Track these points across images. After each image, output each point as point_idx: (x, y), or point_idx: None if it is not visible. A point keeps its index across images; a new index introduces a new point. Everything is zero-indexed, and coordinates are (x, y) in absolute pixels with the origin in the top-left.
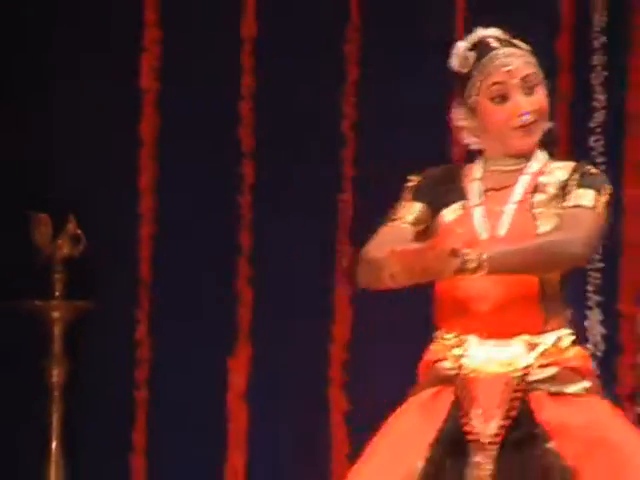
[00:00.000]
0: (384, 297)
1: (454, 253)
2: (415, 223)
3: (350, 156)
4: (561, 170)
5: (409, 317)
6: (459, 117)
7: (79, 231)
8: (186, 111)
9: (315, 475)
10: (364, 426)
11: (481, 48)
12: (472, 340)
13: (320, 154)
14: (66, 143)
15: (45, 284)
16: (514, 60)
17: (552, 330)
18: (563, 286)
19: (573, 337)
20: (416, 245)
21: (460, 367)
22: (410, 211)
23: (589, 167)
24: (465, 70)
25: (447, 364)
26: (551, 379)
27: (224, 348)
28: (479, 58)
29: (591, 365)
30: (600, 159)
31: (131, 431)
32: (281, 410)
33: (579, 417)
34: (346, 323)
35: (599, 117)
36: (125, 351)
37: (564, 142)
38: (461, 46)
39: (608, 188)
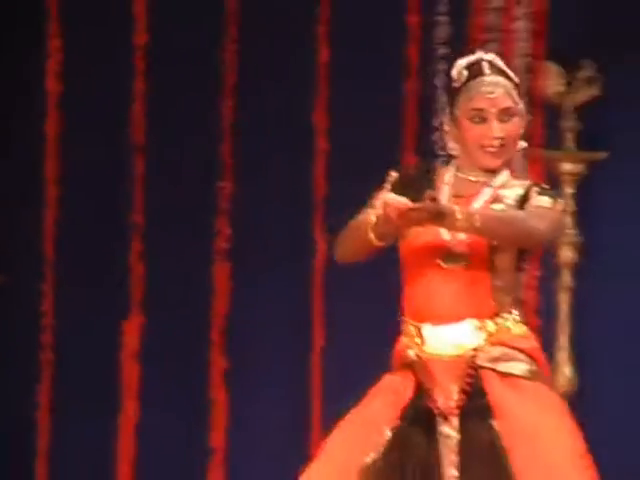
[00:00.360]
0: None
1: (438, 204)
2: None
3: (228, 149)
4: (520, 187)
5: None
6: (446, 123)
7: None
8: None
9: (199, 427)
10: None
11: (474, 70)
12: (427, 328)
13: (196, 149)
14: None
15: None
16: (498, 89)
17: (501, 315)
18: (514, 276)
19: (521, 320)
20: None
21: (420, 353)
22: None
23: (544, 185)
24: (457, 85)
25: (410, 352)
26: (498, 359)
27: (120, 313)
28: (469, 79)
29: (540, 351)
30: (442, 152)
31: (36, 389)
32: (169, 368)
33: (521, 403)
34: (225, 296)
35: (437, 134)
36: (32, 319)
37: (412, 137)
38: (460, 63)
39: (561, 201)
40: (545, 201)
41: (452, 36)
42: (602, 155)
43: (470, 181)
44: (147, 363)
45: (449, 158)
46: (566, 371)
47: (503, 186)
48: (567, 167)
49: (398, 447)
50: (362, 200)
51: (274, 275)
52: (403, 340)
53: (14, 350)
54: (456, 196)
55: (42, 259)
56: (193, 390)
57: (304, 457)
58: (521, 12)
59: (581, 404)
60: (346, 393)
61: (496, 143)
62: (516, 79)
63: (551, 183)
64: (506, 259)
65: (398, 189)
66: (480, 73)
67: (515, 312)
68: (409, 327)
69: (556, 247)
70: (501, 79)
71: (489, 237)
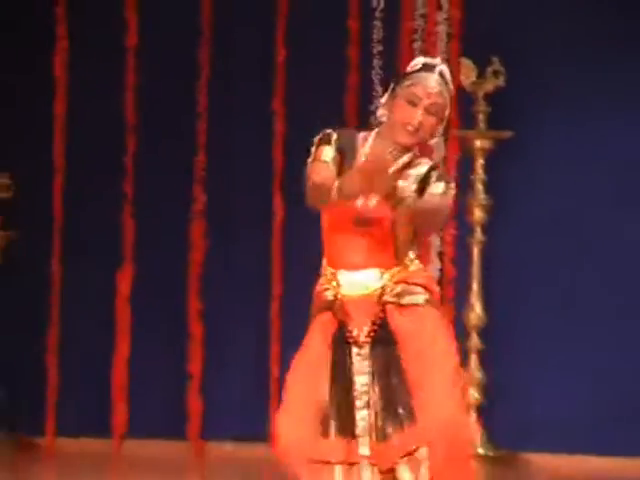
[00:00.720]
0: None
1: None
2: (332, 163)
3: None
4: (423, 166)
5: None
6: (386, 96)
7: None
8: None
9: (180, 357)
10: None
11: (428, 67)
12: (342, 274)
13: (178, 128)
14: None
15: None
16: (437, 89)
17: (400, 264)
18: (410, 239)
19: (417, 261)
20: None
21: (337, 294)
22: (329, 154)
23: (441, 171)
24: (409, 71)
25: (328, 293)
26: (400, 294)
27: (117, 260)
28: (421, 71)
29: (432, 281)
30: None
31: (46, 332)
32: (155, 309)
33: (415, 327)
34: (200, 250)
35: (377, 103)
36: (41, 272)
37: (354, 119)
38: (420, 58)
39: (452, 188)
40: (440, 187)
41: (386, 37)
42: (507, 134)
43: (384, 152)
44: (137, 306)
45: (372, 126)
46: (477, 309)
47: (410, 163)
48: (478, 143)
49: (337, 374)
50: None
51: (241, 233)
52: (322, 284)
53: (25, 298)
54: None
55: (51, 220)
56: (175, 327)
57: (266, 381)
58: (441, 18)
59: (489, 334)
60: (299, 329)
61: (415, 124)
62: (451, 91)
63: (465, 156)
64: (404, 230)
65: (335, 143)
66: (431, 71)
67: (411, 255)
68: (327, 273)
69: (467, 210)
70: (443, 85)
71: (419, 215)
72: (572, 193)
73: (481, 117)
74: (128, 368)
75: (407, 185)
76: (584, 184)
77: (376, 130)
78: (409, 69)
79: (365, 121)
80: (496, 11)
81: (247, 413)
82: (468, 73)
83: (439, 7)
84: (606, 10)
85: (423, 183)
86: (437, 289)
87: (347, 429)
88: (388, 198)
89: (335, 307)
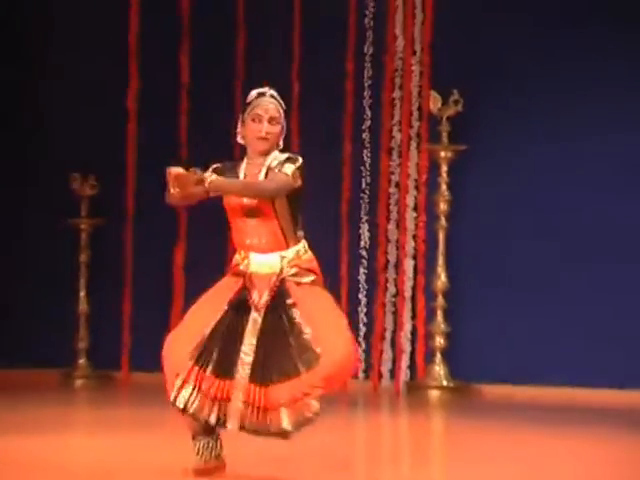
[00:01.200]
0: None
1: (195, 174)
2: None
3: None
4: (282, 156)
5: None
6: (239, 126)
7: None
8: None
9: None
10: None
11: (261, 94)
12: (252, 255)
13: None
14: None
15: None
16: (271, 105)
17: (292, 247)
18: (293, 223)
19: (306, 248)
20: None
21: (247, 269)
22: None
23: (292, 156)
24: (249, 101)
25: (241, 267)
26: (295, 274)
27: (173, 238)
28: (257, 97)
29: (316, 265)
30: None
31: (121, 290)
32: (201, 276)
33: (308, 297)
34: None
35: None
36: (120, 246)
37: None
38: (253, 92)
39: (299, 162)
40: (286, 167)
41: (374, 74)
42: (463, 147)
43: (254, 164)
44: (187, 272)
45: (245, 152)
46: (442, 278)
47: (272, 161)
48: (442, 154)
49: (225, 322)
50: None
51: None
52: (237, 258)
53: (107, 264)
54: (246, 176)
55: (125, 210)
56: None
57: None
58: (415, 61)
59: (451, 296)
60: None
61: (264, 134)
62: (283, 106)
63: (433, 163)
64: (283, 214)
65: (218, 173)
66: (264, 95)
67: (304, 244)
68: (240, 252)
69: (433, 202)
70: (274, 102)
71: (229, 194)
72: (512, 190)
73: (444, 134)
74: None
75: (211, 177)
76: (521, 184)
77: (245, 155)
78: (248, 99)
79: (360, 137)
80: (457, 55)
81: None
82: (435, 102)
83: (413, 53)
84: (538, 50)
85: (281, 166)
86: (319, 272)
87: (224, 370)
88: (205, 192)
89: (245, 277)
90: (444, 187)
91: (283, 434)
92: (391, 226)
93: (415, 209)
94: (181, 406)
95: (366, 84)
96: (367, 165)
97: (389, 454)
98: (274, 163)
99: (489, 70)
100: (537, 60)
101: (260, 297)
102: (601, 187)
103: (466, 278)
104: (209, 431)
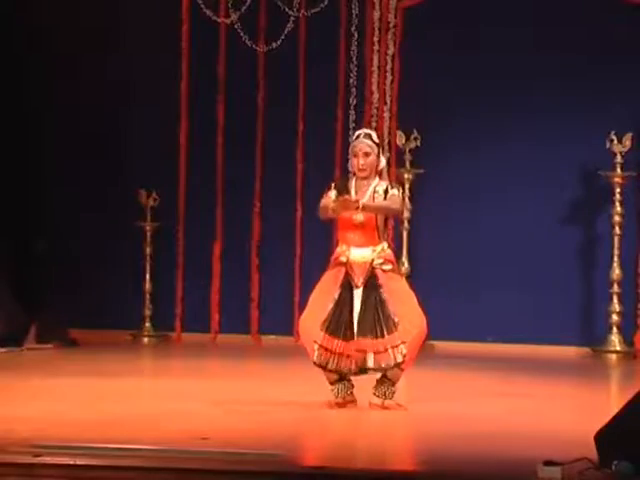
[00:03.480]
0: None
1: (357, 202)
2: (335, 197)
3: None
4: (384, 185)
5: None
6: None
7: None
8: None
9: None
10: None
11: (357, 135)
12: (352, 248)
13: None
14: None
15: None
16: (365, 145)
17: (380, 244)
18: (384, 227)
19: (388, 246)
20: (341, 198)
21: (347, 259)
22: (332, 193)
23: (394, 183)
24: (351, 141)
25: (343, 258)
26: (381, 263)
27: (213, 237)
28: (355, 139)
29: (394, 256)
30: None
31: (174, 272)
32: (234, 263)
33: (390, 281)
34: (258, 227)
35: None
36: (172, 241)
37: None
38: (356, 133)
39: (401, 190)
40: (395, 191)
41: (357, 119)
42: (420, 171)
43: (361, 185)
44: (224, 262)
45: (352, 174)
46: (406, 265)
47: (377, 185)
48: (406, 175)
49: (340, 302)
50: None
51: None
52: (338, 252)
53: (161, 253)
54: (357, 193)
55: (176, 215)
56: (243, 272)
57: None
58: (386, 108)
59: (411, 280)
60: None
61: (360, 166)
62: (376, 140)
63: (399, 182)
64: (381, 222)
65: (336, 187)
66: (358, 137)
67: (385, 243)
68: (343, 247)
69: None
70: (366, 140)
71: (375, 212)
72: (456, 202)
73: (407, 162)
74: (220, 293)
75: (367, 201)
76: (465, 199)
77: (354, 177)
78: (351, 140)
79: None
80: (416, 104)
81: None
82: (400, 138)
83: (385, 103)
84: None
85: (386, 192)
86: (395, 263)
87: (343, 332)
88: (355, 210)
89: (347, 265)
90: (407, 200)
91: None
92: None
93: None
94: (322, 364)
95: (351, 126)
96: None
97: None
98: (380, 187)
99: (439, 115)
100: (476, 104)
101: (359, 279)
102: (528, 200)
103: (423, 265)
104: (342, 378)
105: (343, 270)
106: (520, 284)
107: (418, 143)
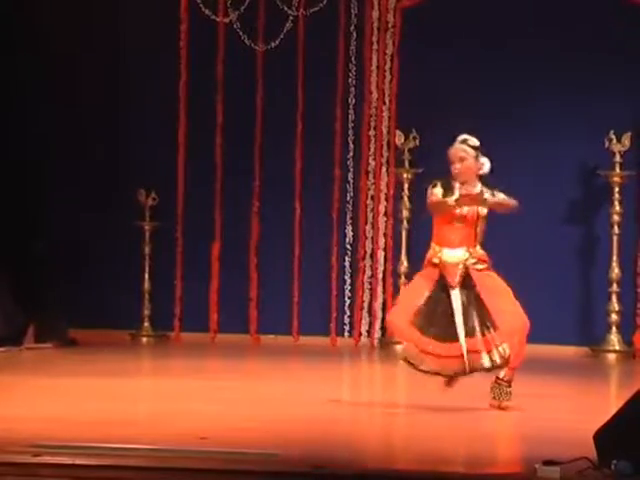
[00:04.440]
0: None
1: (482, 194)
2: (440, 194)
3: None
4: (488, 192)
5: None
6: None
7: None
8: None
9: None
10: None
11: (455, 141)
12: (445, 250)
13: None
14: None
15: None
16: (459, 150)
17: (477, 245)
18: (483, 228)
19: (480, 248)
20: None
21: (440, 260)
22: (439, 191)
23: (497, 186)
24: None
25: (436, 259)
26: (475, 263)
27: (212, 237)
28: (452, 146)
29: (487, 256)
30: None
31: (173, 275)
32: (232, 263)
33: (487, 280)
34: (257, 228)
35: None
36: (171, 241)
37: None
38: (459, 138)
39: (504, 192)
40: (501, 194)
41: (356, 119)
42: (419, 170)
43: (463, 188)
44: (221, 263)
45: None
46: (405, 264)
47: (482, 188)
48: (405, 175)
49: (432, 301)
50: None
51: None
52: (431, 253)
53: (161, 254)
54: (461, 194)
55: (175, 214)
56: (242, 272)
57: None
58: (385, 108)
59: (411, 277)
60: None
61: (457, 172)
62: (473, 144)
63: (399, 182)
64: (482, 222)
65: (441, 185)
66: (455, 142)
67: (479, 245)
68: (435, 247)
69: (399, 210)
70: (460, 145)
71: (495, 207)
72: None
73: (406, 162)
74: (219, 293)
75: (488, 196)
76: None
77: (458, 180)
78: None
79: (346, 164)
80: (415, 103)
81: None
82: (399, 138)
83: (384, 103)
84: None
85: (492, 194)
86: (489, 262)
87: (443, 334)
88: (480, 204)
89: (440, 266)
90: (406, 199)
91: (488, 369)
92: (368, 227)
93: (385, 215)
94: (409, 361)
95: (350, 125)
96: (351, 184)
97: (367, 385)
98: (485, 190)
99: (439, 114)
100: (476, 104)
101: (453, 279)
102: (527, 199)
103: (421, 264)
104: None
105: (437, 271)
106: (519, 283)
107: (417, 143)
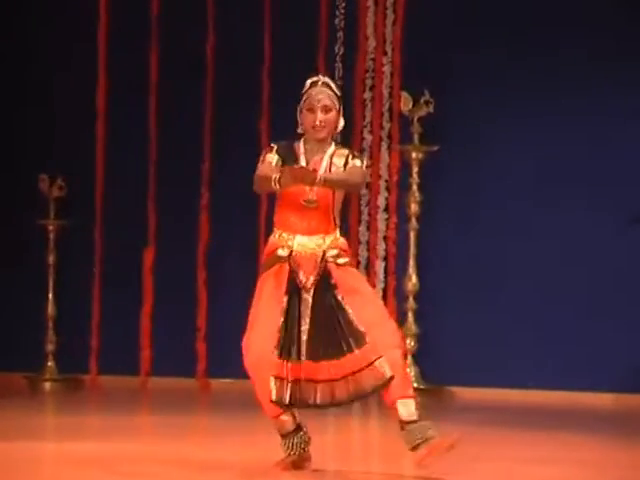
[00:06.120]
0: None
1: (313, 173)
2: (276, 165)
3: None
4: (343, 154)
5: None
6: (298, 115)
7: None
8: None
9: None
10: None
11: (313, 83)
12: (297, 237)
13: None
14: None
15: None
16: (323, 95)
17: (334, 231)
18: (340, 210)
19: (341, 234)
20: (296, 167)
21: (291, 252)
22: (274, 159)
23: (356, 152)
24: (303, 90)
25: (282, 251)
26: (335, 256)
27: (143, 241)
28: (310, 87)
29: (348, 246)
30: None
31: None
32: (172, 279)
33: (346, 278)
34: (205, 234)
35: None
36: (87, 247)
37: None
38: (307, 80)
39: (366, 161)
40: (357, 162)
41: (346, 75)
42: (434, 147)
43: (312, 149)
44: (157, 275)
45: (300, 136)
46: (413, 280)
47: (333, 154)
48: (414, 155)
49: (290, 311)
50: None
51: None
52: (274, 241)
53: (74, 266)
54: (308, 162)
55: (93, 211)
56: (186, 290)
57: None
58: (386, 61)
59: (421, 297)
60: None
61: (319, 123)
62: (337, 92)
63: (405, 164)
64: (338, 202)
65: (277, 151)
66: (316, 85)
67: (338, 229)
68: (282, 235)
69: (405, 203)
70: (326, 90)
71: (332, 188)
72: (482, 190)
73: (416, 136)
74: (152, 321)
75: (324, 170)
76: (492, 184)
77: (302, 138)
78: (303, 90)
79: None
80: (428, 55)
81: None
82: (406, 103)
83: (384, 53)
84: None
85: (345, 164)
86: (352, 254)
87: (296, 352)
88: (313, 184)
89: (290, 260)
90: (415, 188)
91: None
92: (362, 227)
93: (386, 210)
94: (286, 402)
95: (336, 84)
96: None
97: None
98: (338, 159)
99: (461, 70)
100: (510, 60)
101: (307, 278)
102: (573, 191)
103: (437, 280)
104: (297, 428)
105: (285, 267)
106: (567, 309)
107: (431, 109)
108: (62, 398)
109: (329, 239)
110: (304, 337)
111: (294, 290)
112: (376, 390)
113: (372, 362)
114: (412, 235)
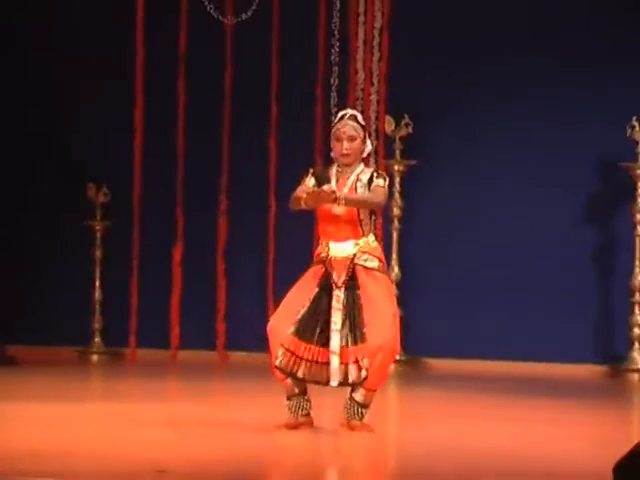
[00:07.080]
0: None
1: (333, 193)
2: (313, 186)
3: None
4: (369, 172)
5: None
6: (331, 142)
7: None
8: None
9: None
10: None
11: (340, 116)
12: (331, 243)
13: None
14: None
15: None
16: (347, 127)
17: (365, 236)
18: (371, 217)
19: (374, 239)
20: (316, 190)
21: (327, 255)
22: (310, 181)
23: (380, 171)
24: (334, 123)
25: (323, 254)
26: (364, 260)
27: (173, 239)
28: (339, 120)
29: (382, 252)
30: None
31: (128, 282)
32: (197, 268)
33: (371, 282)
34: (224, 232)
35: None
36: (127, 245)
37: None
38: (339, 114)
39: (388, 179)
40: (380, 181)
41: (340, 102)
42: (412, 162)
43: (343, 172)
44: (185, 267)
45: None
46: (396, 270)
47: (360, 173)
48: (396, 167)
49: (315, 303)
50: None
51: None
52: (319, 249)
53: (115, 258)
54: (338, 180)
55: (131, 213)
56: (208, 279)
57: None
58: (373, 91)
59: (402, 286)
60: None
61: (344, 152)
62: (362, 123)
63: (389, 175)
64: (365, 214)
65: (314, 175)
66: (342, 118)
67: (372, 235)
68: (322, 243)
69: (389, 207)
70: (351, 122)
71: (355, 207)
72: (454, 196)
73: (397, 152)
74: (181, 303)
75: (350, 188)
76: (462, 191)
77: (336, 163)
78: (333, 122)
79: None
80: (407, 85)
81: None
82: (389, 125)
83: (372, 84)
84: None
85: (370, 181)
86: (384, 260)
87: (317, 336)
88: (331, 202)
89: (326, 262)
90: (397, 195)
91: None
92: None
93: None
94: (285, 369)
95: (333, 110)
96: None
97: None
98: (364, 176)
99: (434, 97)
100: (478, 86)
101: (339, 277)
102: (535, 198)
103: (416, 271)
104: (302, 392)
105: (323, 268)
106: (528, 293)
107: (410, 130)
108: (106, 368)
109: (360, 244)
110: (334, 327)
111: (326, 286)
112: (353, 385)
113: (358, 360)
114: (395, 234)
